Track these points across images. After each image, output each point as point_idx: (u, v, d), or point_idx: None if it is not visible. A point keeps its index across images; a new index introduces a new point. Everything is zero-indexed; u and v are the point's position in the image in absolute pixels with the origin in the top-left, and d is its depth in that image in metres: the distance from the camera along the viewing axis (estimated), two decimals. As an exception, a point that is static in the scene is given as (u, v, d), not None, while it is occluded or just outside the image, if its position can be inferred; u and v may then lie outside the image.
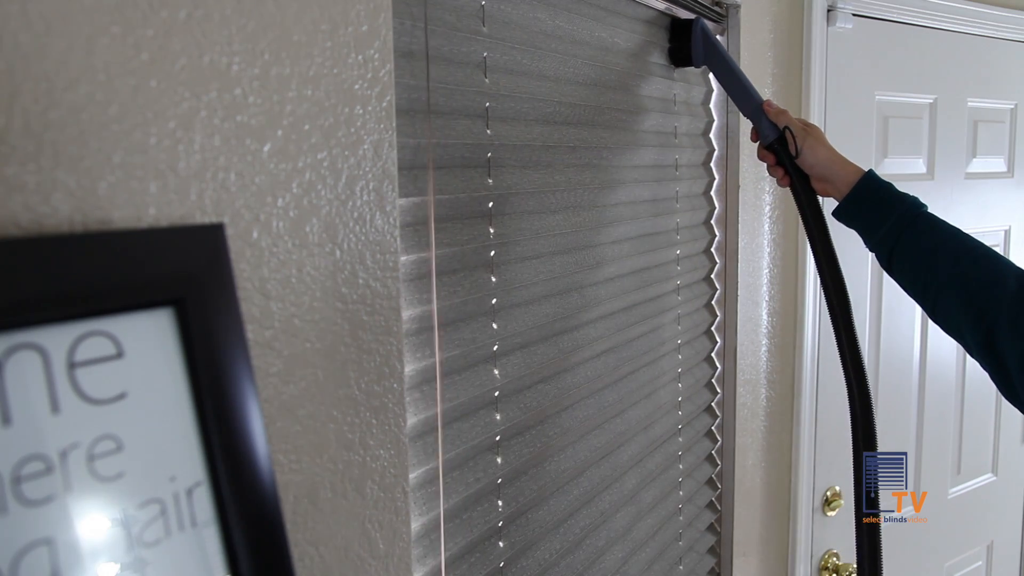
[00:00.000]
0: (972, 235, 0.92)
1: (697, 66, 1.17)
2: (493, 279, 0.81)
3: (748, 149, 1.40)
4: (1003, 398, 0.87)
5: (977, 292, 0.85)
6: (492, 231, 0.80)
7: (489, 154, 0.80)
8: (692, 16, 1.18)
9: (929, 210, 0.95)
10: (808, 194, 1.05)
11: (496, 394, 0.82)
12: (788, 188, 1.07)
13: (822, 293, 1.06)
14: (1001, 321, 0.82)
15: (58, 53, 0.41)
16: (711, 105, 1.35)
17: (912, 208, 0.94)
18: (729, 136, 1.36)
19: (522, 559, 0.87)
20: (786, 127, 1.03)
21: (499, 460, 0.82)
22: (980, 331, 0.84)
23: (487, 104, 0.79)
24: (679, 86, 1.22)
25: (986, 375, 0.87)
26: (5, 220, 0.39)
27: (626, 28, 1.06)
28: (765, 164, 1.09)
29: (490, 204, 0.80)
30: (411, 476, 0.70)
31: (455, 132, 0.75)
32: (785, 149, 1.05)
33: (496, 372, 0.82)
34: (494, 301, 0.81)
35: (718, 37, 1.11)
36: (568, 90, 0.93)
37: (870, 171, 0.99)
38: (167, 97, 0.47)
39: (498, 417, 0.82)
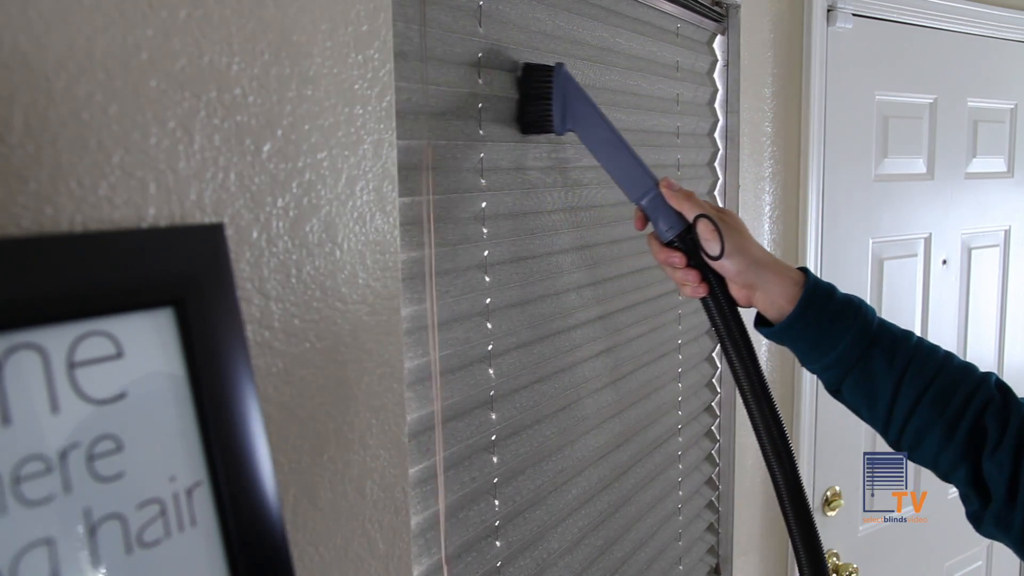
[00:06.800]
0: (929, 341, 0.78)
1: (559, 132, 0.83)
2: (487, 279, 0.81)
3: (749, 149, 1.40)
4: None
5: (958, 412, 0.72)
6: (485, 231, 0.80)
7: (482, 154, 0.80)
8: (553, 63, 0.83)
9: (874, 311, 0.78)
10: (730, 307, 0.80)
11: (491, 393, 0.82)
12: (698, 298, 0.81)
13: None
14: (990, 441, 0.70)
15: (58, 53, 0.41)
16: (715, 105, 1.35)
17: (867, 320, 0.75)
18: (729, 137, 1.36)
19: (520, 559, 0.87)
20: (701, 216, 0.77)
21: (495, 459, 0.82)
22: (969, 460, 0.71)
23: (480, 105, 0.79)
24: (683, 86, 1.22)
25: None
26: (5, 220, 0.39)
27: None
28: (667, 267, 0.81)
29: (483, 204, 0.80)
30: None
31: (448, 132, 0.75)
32: (693, 246, 0.78)
33: (491, 372, 0.82)
34: (488, 301, 0.81)
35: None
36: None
37: (807, 272, 0.78)
38: (167, 97, 0.47)
39: (493, 416, 0.82)
